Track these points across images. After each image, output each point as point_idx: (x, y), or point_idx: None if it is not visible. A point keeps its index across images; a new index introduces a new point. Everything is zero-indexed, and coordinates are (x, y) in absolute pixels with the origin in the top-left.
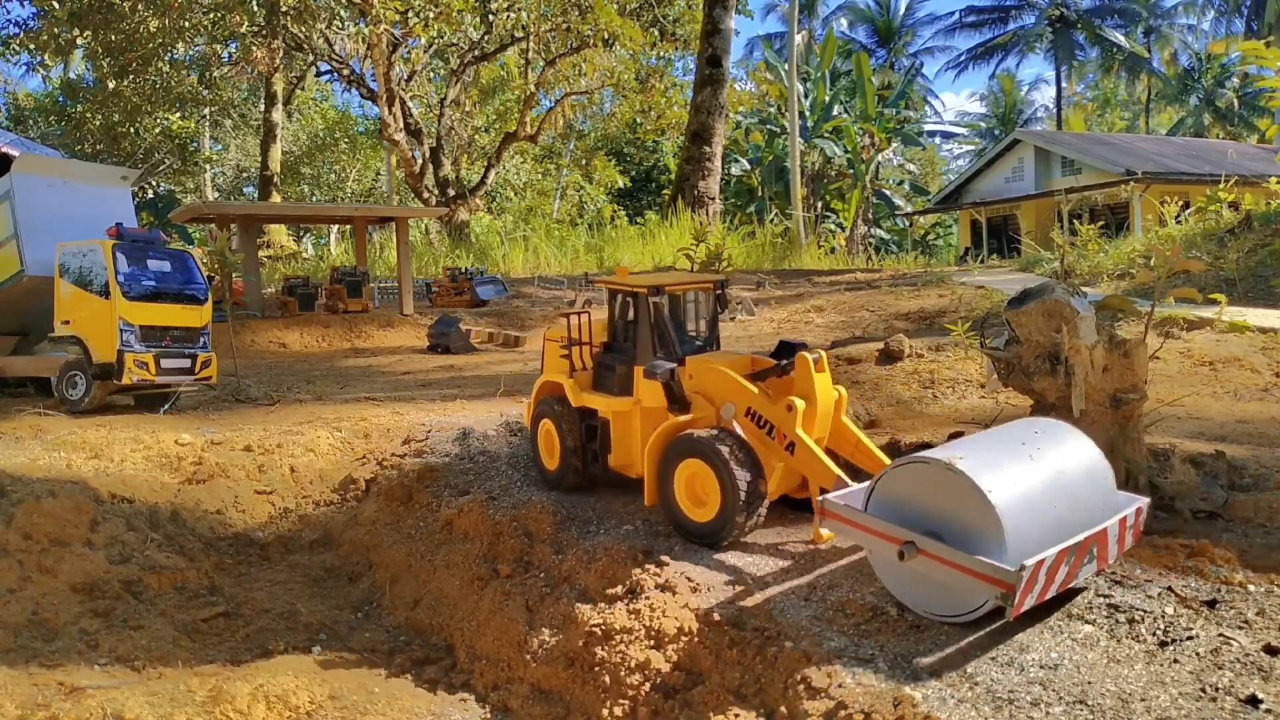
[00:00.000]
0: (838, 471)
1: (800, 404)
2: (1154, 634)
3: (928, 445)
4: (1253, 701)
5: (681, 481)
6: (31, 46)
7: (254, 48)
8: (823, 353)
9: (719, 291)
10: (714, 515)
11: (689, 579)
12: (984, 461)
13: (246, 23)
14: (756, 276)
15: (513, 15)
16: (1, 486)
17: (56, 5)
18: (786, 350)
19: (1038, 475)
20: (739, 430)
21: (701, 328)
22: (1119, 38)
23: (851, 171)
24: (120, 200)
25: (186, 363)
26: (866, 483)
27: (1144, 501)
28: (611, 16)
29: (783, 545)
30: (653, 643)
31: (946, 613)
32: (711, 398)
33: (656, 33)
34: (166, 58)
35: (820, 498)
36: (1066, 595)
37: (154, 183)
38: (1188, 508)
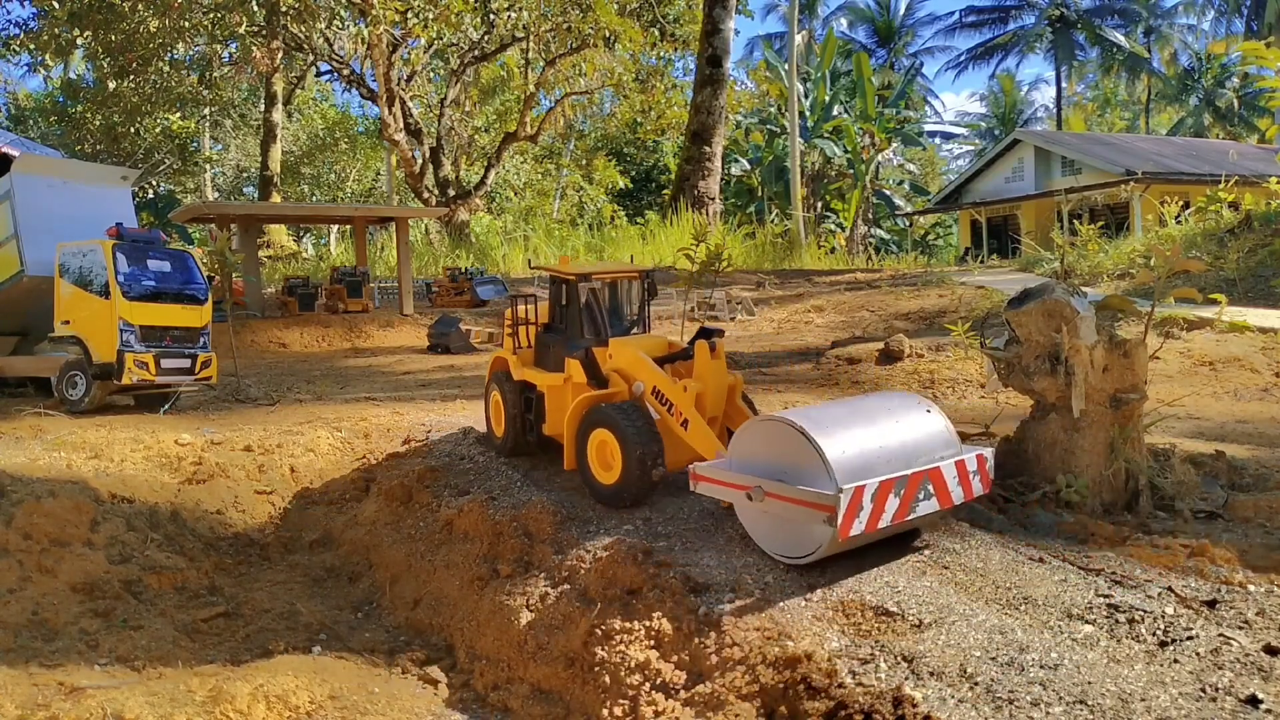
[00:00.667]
0: (719, 446)
1: (694, 385)
2: (1154, 634)
3: None
4: (1253, 701)
5: (593, 448)
6: (32, 46)
7: (254, 48)
8: (719, 340)
9: (646, 280)
10: (617, 479)
11: (689, 579)
12: (817, 417)
13: (246, 23)
14: (756, 276)
15: (513, 15)
16: (1, 486)
17: (56, 5)
18: (704, 335)
19: (868, 427)
20: (649, 407)
21: (632, 313)
22: (1119, 38)
23: (851, 171)
24: (120, 200)
25: (186, 363)
26: None
27: (986, 450)
28: (612, 16)
29: None
30: (653, 643)
31: (797, 553)
32: (627, 376)
33: (656, 32)
34: (166, 58)
35: (691, 465)
36: (912, 534)
37: (154, 183)
38: (1188, 508)
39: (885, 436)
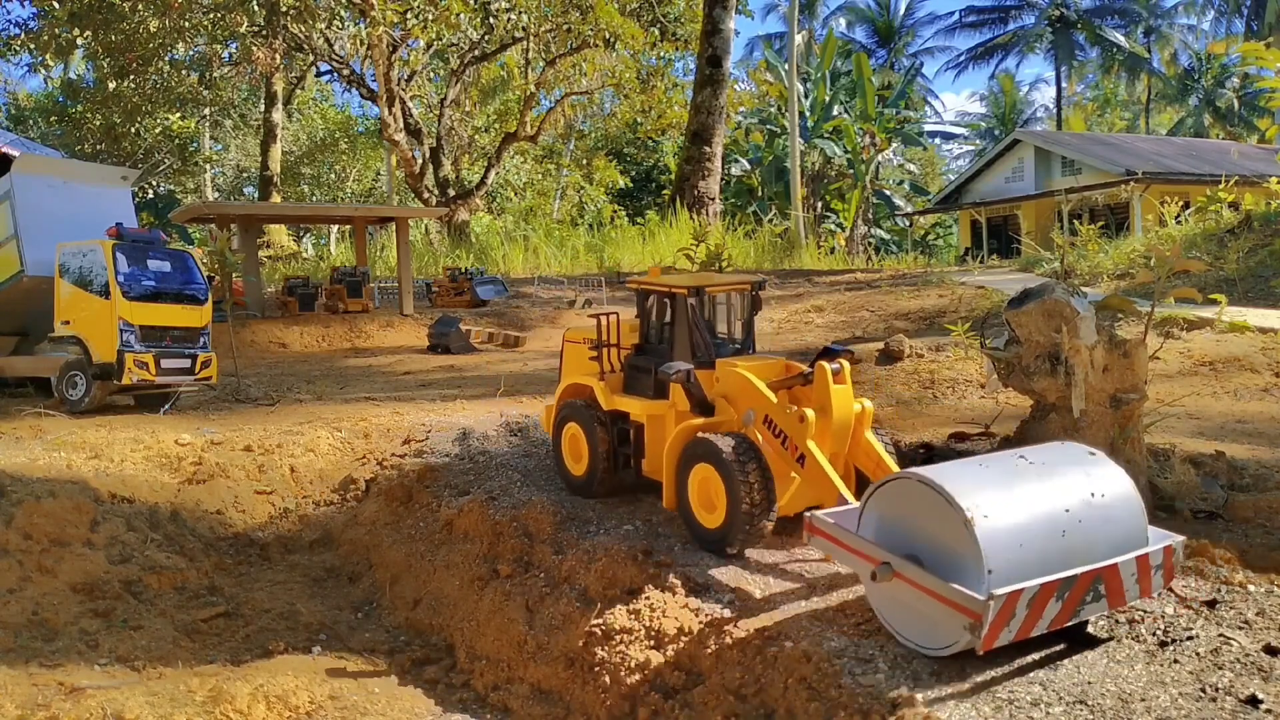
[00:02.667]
0: (842, 488)
1: (811, 415)
2: (1154, 634)
3: (928, 445)
4: (1253, 701)
5: (695, 485)
6: (32, 47)
7: (254, 48)
8: (846, 363)
9: (754, 293)
10: (721, 521)
11: (689, 579)
12: (975, 482)
13: (246, 23)
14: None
15: (513, 16)
16: (1, 486)
17: (57, 5)
18: (827, 355)
19: (1039, 501)
20: (759, 438)
21: (737, 330)
22: (1119, 38)
23: (851, 171)
24: (120, 200)
25: (186, 363)
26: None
27: (1176, 540)
28: (612, 15)
29: (784, 547)
30: (653, 643)
31: (927, 644)
32: (734, 402)
33: (657, 32)
34: (166, 58)
35: (808, 514)
36: (1075, 629)
37: (154, 183)
38: (1188, 508)
39: (1060, 522)
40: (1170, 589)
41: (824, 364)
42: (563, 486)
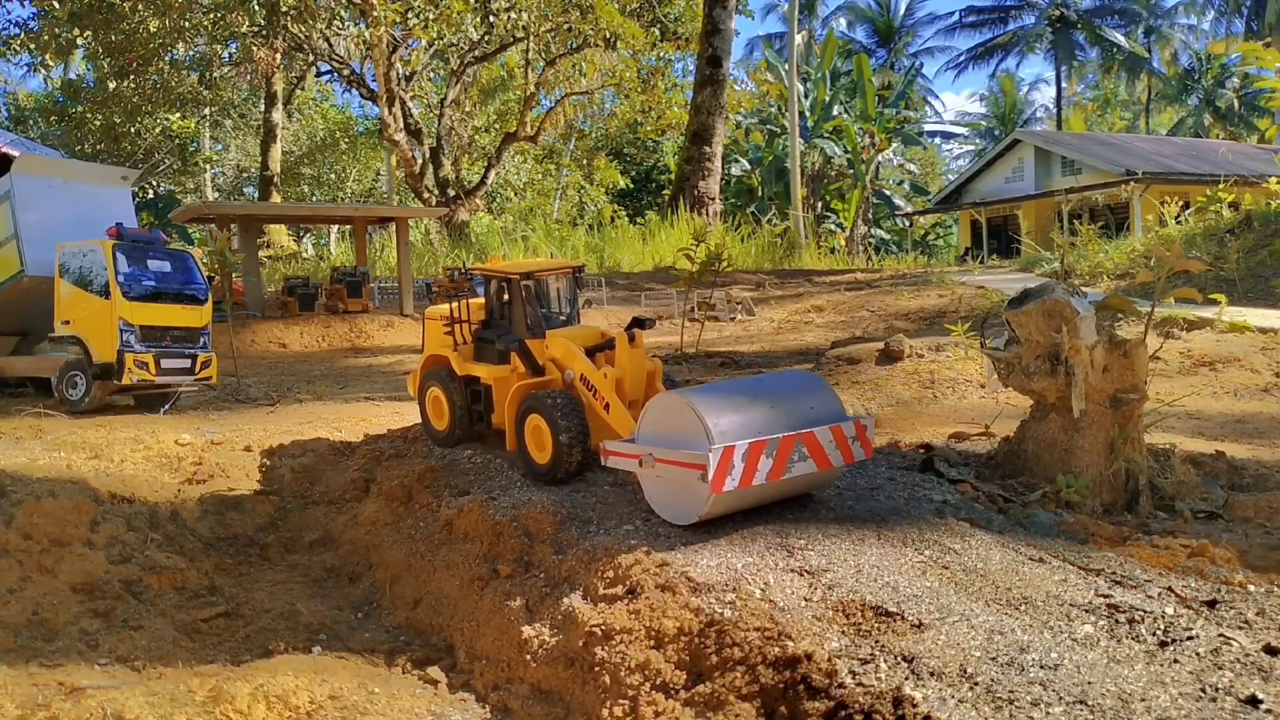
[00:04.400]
0: (634, 425)
1: (613, 372)
2: (1154, 634)
3: (928, 446)
4: (1253, 702)
5: (530, 431)
6: (32, 47)
7: (254, 48)
8: (639, 331)
9: (576, 275)
10: (549, 459)
11: (689, 579)
12: (707, 391)
13: (247, 23)
14: (756, 276)
15: (514, 16)
16: (1, 486)
17: (57, 5)
18: (634, 324)
19: (756, 400)
20: (579, 393)
21: (564, 306)
22: (1119, 38)
23: (851, 171)
24: (120, 200)
25: (186, 363)
26: None
27: (867, 420)
28: (613, 15)
29: (784, 546)
30: (653, 643)
31: (687, 515)
32: (560, 365)
33: (657, 32)
34: (166, 58)
35: (602, 442)
36: (806, 498)
37: (154, 183)
38: (1188, 508)
39: (771, 408)
40: (1170, 589)
41: (621, 333)
42: (563, 486)
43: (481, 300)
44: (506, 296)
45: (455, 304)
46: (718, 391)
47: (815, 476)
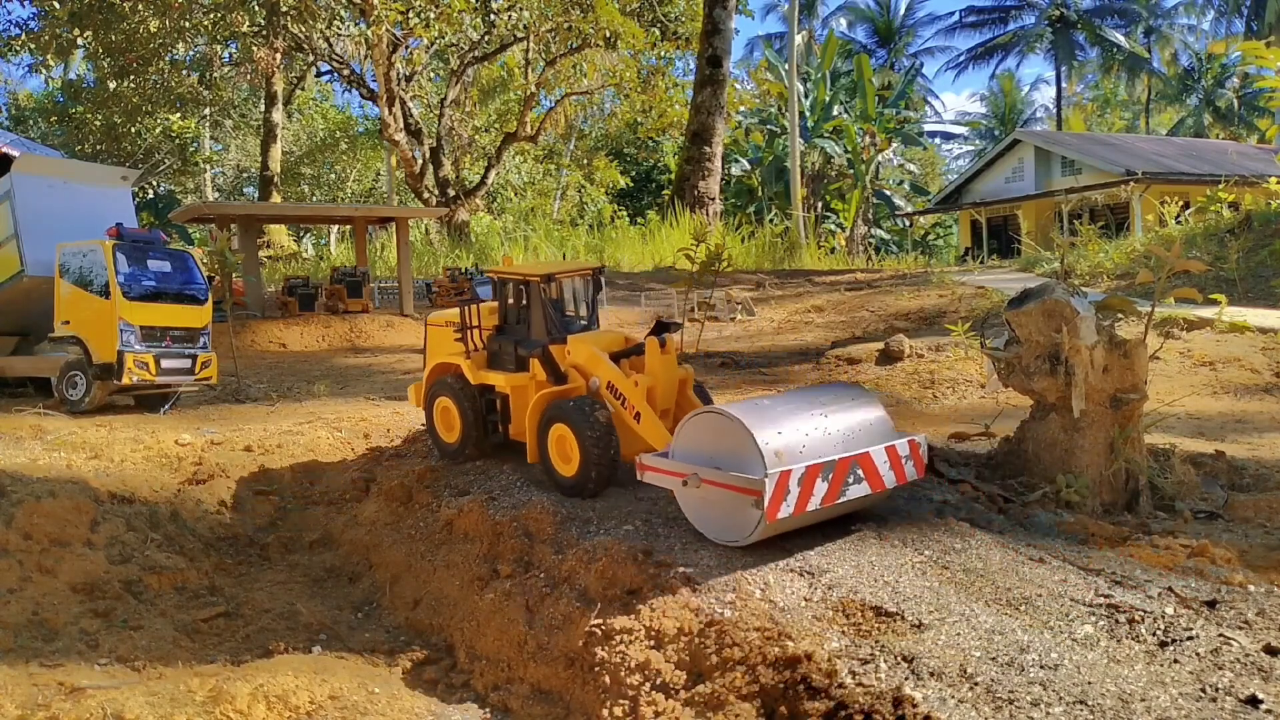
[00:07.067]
0: (669, 437)
1: (644, 379)
2: (1154, 634)
3: (929, 446)
4: (1253, 702)
5: (553, 442)
6: (32, 47)
7: (254, 48)
8: (669, 336)
9: (596, 277)
10: (576, 471)
11: (689, 579)
12: (754, 407)
13: (247, 23)
14: (756, 277)
15: (514, 15)
16: (1, 486)
17: (57, 5)
18: (659, 330)
19: (804, 417)
20: (605, 401)
21: (583, 309)
22: (1119, 38)
23: (851, 171)
24: (120, 200)
25: (186, 363)
26: None
27: (919, 437)
28: (613, 14)
29: (784, 546)
30: (653, 643)
31: (734, 537)
32: (584, 372)
33: (657, 32)
34: (167, 58)
35: (639, 455)
36: (850, 519)
37: (154, 183)
38: (1188, 508)
39: (821, 424)
40: (1170, 589)
41: (653, 338)
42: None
43: (492, 305)
44: (524, 299)
45: (466, 308)
46: (764, 406)
47: (868, 498)
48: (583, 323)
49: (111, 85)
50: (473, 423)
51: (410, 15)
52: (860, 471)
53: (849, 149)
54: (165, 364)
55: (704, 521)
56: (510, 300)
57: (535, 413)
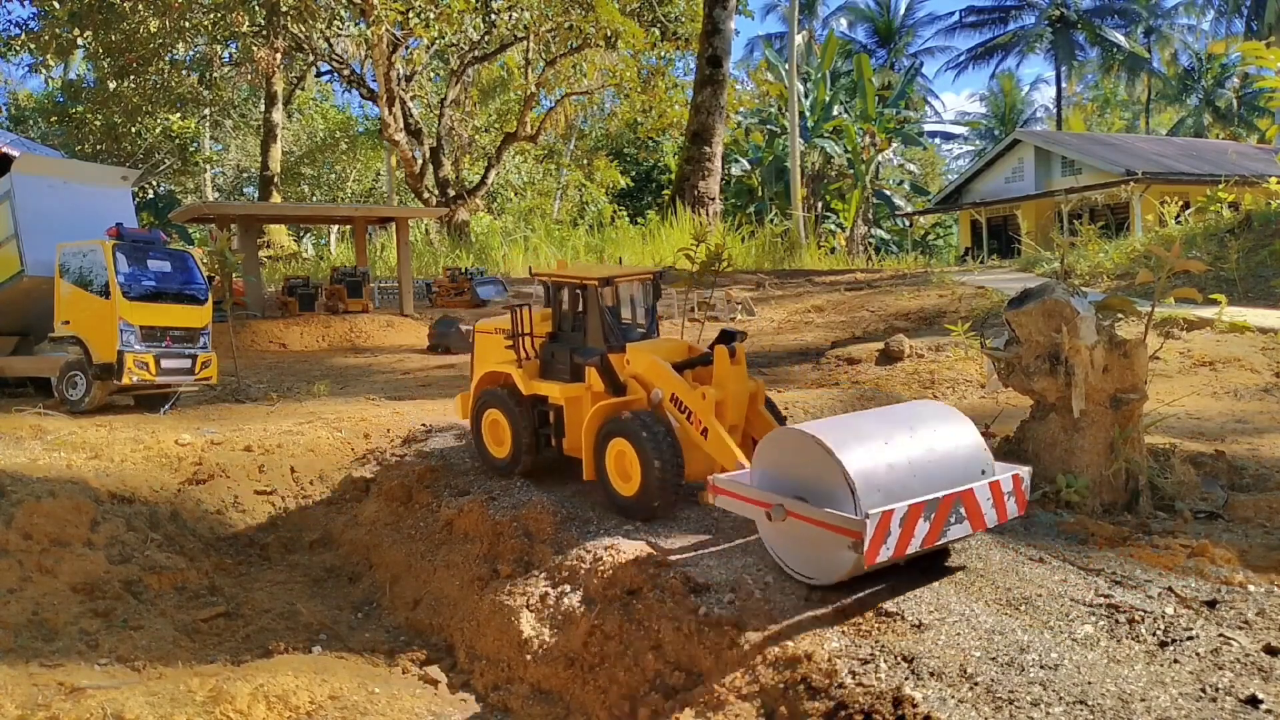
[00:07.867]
0: (740, 456)
1: (713, 393)
2: (1154, 634)
3: None
4: (1253, 702)
5: (612, 458)
6: (32, 47)
7: (254, 48)
8: (740, 345)
9: (656, 282)
10: (637, 490)
11: (689, 579)
12: (843, 430)
13: (247, 23)
14: (756, 277)
15: (514, 15)
16: (1, 486)
17: (57, 5)
18: (726, 339)
19: (898, 445)
20: (668, 414)
21: (641, 316)
22: (1119, 38)
23: (851, 171)
24: (120, 200)
25: (186, 363)
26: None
27: (1023, 470)
28: (613, 14)
29: None
30: (653, 643)
31: (821, 575)
32: (645, 383)
33: (657, 32)
34: (167, 58)
35: (711, 477)
36: (943, 554)
37: (154, 183)
38: (1188, 508)
39: (914, 452)
40: (1170, 589)
41: (721, 347)
42: (563, 487)
43: (545, 310)
44: (580, 305)
45: (517, 313)
46: (850, 430)
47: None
48: (641, 330)
49: (111, 85)
50: (524, 436)
51: (410, 15)
52: (963, 509)
53: (849, 149)
54: (165, 364)
55: (786, 552)
56: (565, 306)
57: (592, 426)
